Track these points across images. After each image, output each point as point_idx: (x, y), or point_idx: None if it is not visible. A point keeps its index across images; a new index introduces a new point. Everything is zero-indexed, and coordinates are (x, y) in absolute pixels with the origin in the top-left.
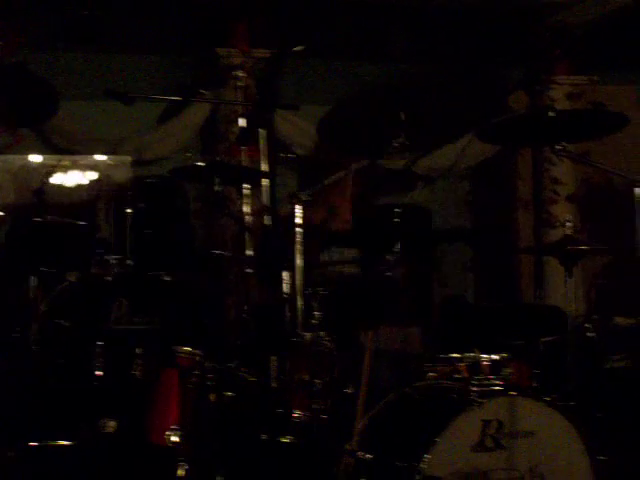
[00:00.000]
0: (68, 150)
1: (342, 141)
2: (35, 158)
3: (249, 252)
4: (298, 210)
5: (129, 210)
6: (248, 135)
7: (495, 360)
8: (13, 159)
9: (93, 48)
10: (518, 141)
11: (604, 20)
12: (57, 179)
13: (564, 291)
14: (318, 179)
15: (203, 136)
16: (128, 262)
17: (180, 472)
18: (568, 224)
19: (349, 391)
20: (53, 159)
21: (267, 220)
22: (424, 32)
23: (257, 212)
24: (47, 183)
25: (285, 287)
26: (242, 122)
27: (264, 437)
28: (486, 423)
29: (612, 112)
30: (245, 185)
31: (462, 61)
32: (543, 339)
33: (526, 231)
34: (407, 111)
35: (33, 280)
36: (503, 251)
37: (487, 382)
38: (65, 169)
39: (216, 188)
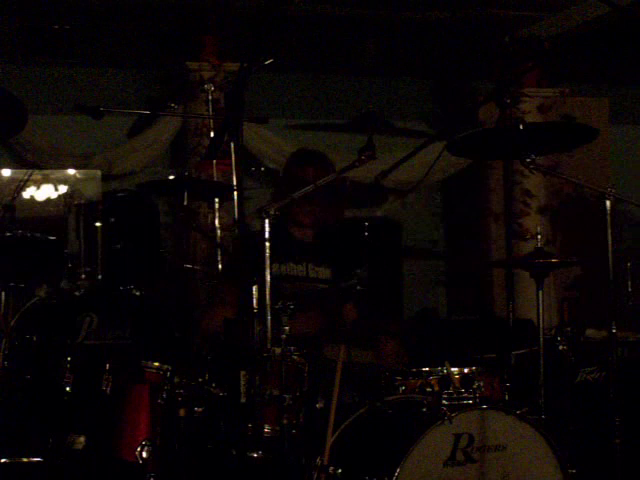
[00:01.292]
0: (37, 164)
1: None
2: (4, 172)
3: (220, 266)
4: (267, 224)
5: (99, 224)
6: (217, 149)
7: (466, 373)
8: None
9: (62, 62)
10: (488, 154)
11: (574, 32)
12: (27, 193)
13: (536, 304)
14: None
15: (173, 150)
16: (98, 277)
17: None
18: (539, 236)
19: (319, 406)
20: (23, 173)
21: (237, 234)
22: (394, 45)
23: (227, 226)
24: (17, 197)
25: (254, 302)
26: (213, 136)
27: (234, 452)
28: (457, 437)
29: (581, 125)
30: (216, 199)
31: (432, 74)
32: (514, 352)
33: (498, 244)
34: (375, 123)
35: (2, 295)
36: (475, 264)
37: (458, 396)
38: (35, 183)
39: (185, 202)
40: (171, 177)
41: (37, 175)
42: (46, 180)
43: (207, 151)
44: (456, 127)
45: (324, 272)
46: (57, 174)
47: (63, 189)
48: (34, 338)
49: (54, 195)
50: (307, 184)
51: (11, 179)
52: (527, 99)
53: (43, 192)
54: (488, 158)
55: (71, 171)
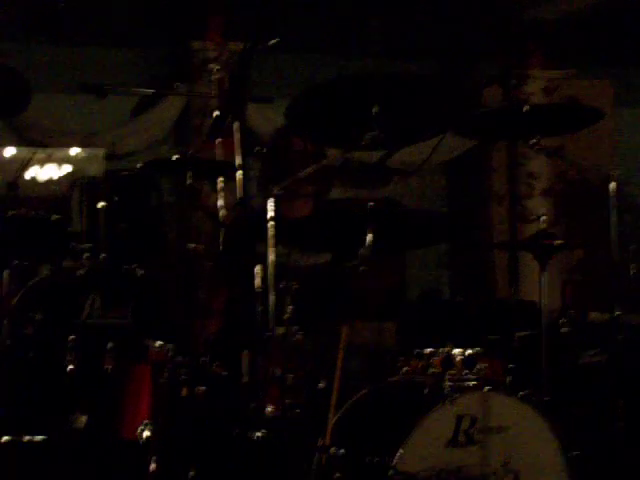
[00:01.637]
0: (41, 143)
1: (311, 130)
2: (8, 151)
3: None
4: (271, 203)
5: (102, 204)
6: (219, 128)
7: (469, 355)
8: None
9: (66, 41)
10: (492, 135)
11: (579, 14)
12: (31, 172)
13: (539, 286)
14: (288, 172)
15: (177, 129)
16: (101, 256)
17: (152, 467)
18: (543, 218)
19: (322, 386)
20: (26, 152)
21: (238, 213)
22: (399, 26)
23: (230, 206)
24: (21, 176)
25: (257, 281)
26: (217, 115)
27: (236, 432)
28: (459, 418)
29: (587, 106)
30: (219, 179)
31: (437, 55)
32: (517, 334)
33: (501, 226)
34: (380, 104)
35: (5, 274)
36: (478, 246)
37: (460, 377)
38: (38, 162)
39: (189, 182)
40: (175, 156)
41: (41, 154)
42: (50, 159)
43: (210, 130)
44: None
45: (319, 257)
46: (61, 153)
47: (67, 168)
48: (36, 317)
49: (57, 174)
50: (299, 156)
51: (15, 158)
52: (532, 81)
53: (46, 171)
54: (492, 139)
55: (75, 150)
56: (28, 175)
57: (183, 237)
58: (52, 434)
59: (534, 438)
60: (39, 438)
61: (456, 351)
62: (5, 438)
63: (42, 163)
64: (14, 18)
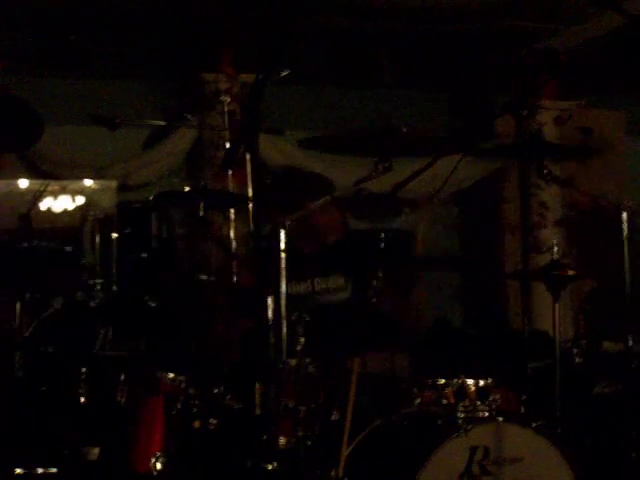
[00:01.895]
0: (53, 175)
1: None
2: (21, 183)
3: (235, 278)
4: (282, 235)
5: (114, 235)
6: (232, 159)
7: (482, 386)
8: None
9: (79, 73)
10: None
11: (591, 45)
12: (44, 204)
13: (552, 316)
14: (300, 204)
15: (189, 161)
16: (113, 288)
17: None
18: (555, 249)
19: (335, 417)
20: (39, 184)
21: (251, 245)
22: (410, 57)
23: (242, 237)
24: (33, 208)
25: (270, 313)
26: (229, 147)
27: (249, 464)
28: (473, 450)
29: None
30: (231, 210)
31: (449, 86)
32: (530, 365)
33: (513, 256)
34: (393, 134)
35: (18, 306)
36: (490, 276)
37: (474, 408)
38: (52, 194)
39: (201, 213)
40: (187, 188)
41: (54, 186)
42: (63, 191)
43: (222, 162)
44: (473, 139)
45: (335, 281)
46: (74, 185)
47: (80, 200)
48: (49, 349)
49: (71, 206)
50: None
51: (28, 190)
52: (544, 111)
53: (60, 203)
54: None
55: (87, 182)
56: (41, 207)
57: (195, 268)
58: (65, 466)
59: (548, 469)
60: (52, 470)
61: (469, 382)
62: (18, 471)
63: (55, 195)
64: (26, 51)
